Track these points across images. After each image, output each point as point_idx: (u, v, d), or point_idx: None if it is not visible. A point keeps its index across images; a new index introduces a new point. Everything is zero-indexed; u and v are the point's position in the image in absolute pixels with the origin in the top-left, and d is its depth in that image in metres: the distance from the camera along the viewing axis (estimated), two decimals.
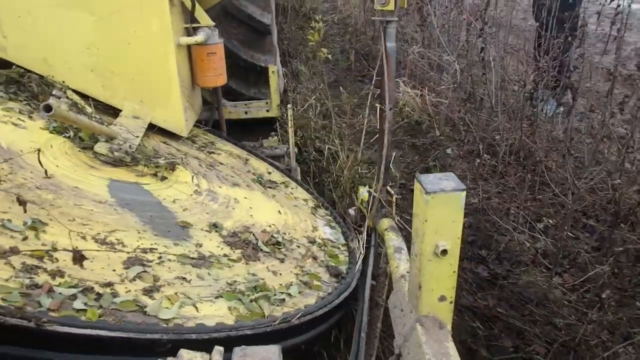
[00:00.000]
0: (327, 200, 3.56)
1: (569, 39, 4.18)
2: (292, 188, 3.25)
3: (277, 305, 1.84)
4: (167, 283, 1.77)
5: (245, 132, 4.33)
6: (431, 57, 5.89)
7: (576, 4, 4.76)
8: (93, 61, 3.03)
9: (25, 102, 2.79)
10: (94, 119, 2.79)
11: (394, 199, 2.92)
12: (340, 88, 5.68)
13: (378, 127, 2.88)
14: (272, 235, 2.38)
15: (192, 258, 1.98)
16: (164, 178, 2.64)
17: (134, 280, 1.72)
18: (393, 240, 2.35)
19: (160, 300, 1.64)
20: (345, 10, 9.71)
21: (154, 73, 3.08)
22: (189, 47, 3.38)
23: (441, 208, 1.46)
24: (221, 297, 1.79)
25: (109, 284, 1.64)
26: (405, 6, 3.03)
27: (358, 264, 2.34)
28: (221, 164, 3.24)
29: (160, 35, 2.99)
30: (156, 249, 1.95)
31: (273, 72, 4.26)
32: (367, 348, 2.02)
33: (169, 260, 1.92)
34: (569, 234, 3.13)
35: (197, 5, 3.35)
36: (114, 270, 1.74)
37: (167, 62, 3.07)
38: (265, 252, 2.24)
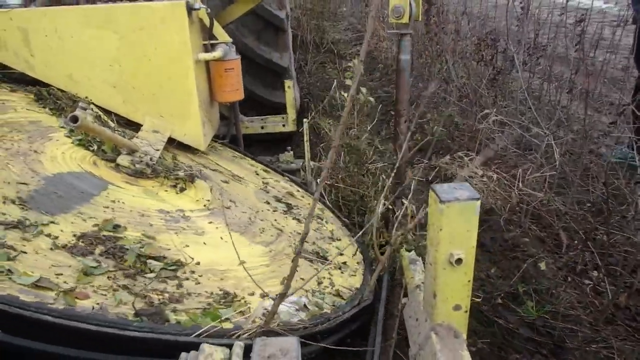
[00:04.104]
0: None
1: None
2: (343, 272, 2.71)
3: None
4: None
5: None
6: (507, 123, 4.25)
7: None
8: (115, 77, 3.13)
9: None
10: (116, 132, 2.87)
11: (409, 212, 2.93)
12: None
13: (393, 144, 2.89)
14: (161, 255, 2.11)
15: (9, 221, 1.91)
16: (182, 189, 2.70)
17: None
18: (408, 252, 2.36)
19: None
20: (373, 42, 8.32)
21: (174, 89, 3.16)
22: (207, 63, 3.47)
23: (456, 217, 1.47)
24: None
25: None
26: (420, 19, 3.05)
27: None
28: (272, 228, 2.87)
29: (179, 52, 3.08)
30: None
31: (289, 86, 4.33)
32: (383, 358, 2.02)
33: None
34: None
35: (215, 22, 3.44)
36: None
37: (186, 77, 3.15)
38: (124, 266, 1.97)
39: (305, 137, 3.77)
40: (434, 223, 1.52)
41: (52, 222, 2.01)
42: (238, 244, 2.48)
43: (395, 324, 2.19)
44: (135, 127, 3.16)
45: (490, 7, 5.95)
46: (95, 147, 2.71)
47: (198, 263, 2.18)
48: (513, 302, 2.78)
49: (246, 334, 1.67)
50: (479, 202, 1.49)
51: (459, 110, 5.07)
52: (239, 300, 2.04)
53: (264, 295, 2.02)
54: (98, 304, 1.68)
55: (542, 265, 3.07)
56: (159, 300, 1.83)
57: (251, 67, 4.34)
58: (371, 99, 3.50)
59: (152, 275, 1.99)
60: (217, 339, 1.63)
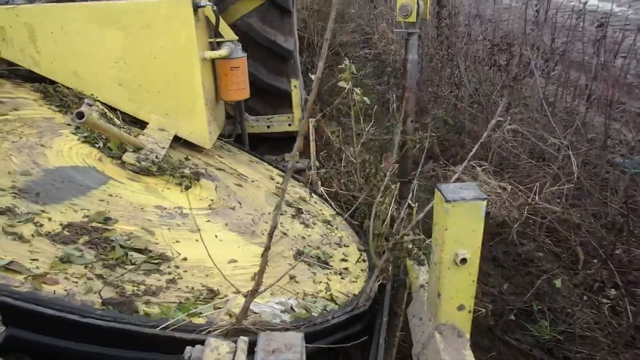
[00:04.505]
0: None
1: None
2: (343, 278, 2.68)
3: None
4: None
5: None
6: (522, 132, 4.03)
7: None
8: (121, 75, 3.13)
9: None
10: (122, 129, 2.88)
11: (414, 212, 2.92)
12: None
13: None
14: (147, 249, 2.11)
15: None
16: (188, 187, 2.70)
17: None
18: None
19: None
20: (381, 45, 8.15)
21: (180, 86, 3.16)
22: (213, 61, 3.47)
23: (461, 217, 1.46)
24: None
25: None
26: (427, 18, 3.03)
27: None
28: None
29: (185, 50, 3.07)
30: None
31: (295, 86, 4.32)
32: (386, 356, 2.01)
33: None
34: None
35: (221, 20, 3.44)
36: None
37: (192, 75, 3.15)
38: (106, 256, 1.96)
39: (311, 137, 3.76)
40: (439, 222, 1.51)
41: (43, 211, 2.02)
42: (234, 243, 2.50)
43: (399, 323, 2.18)
44: (141, 124, 3.16)
45: (502, 10, 5.79)
46: (101, 144, 2.72)
47: (185, 259, 2.17)
48: (526, 320, 2.67)
49: (217, 331, 1.64)
50: (484, 202, 1.48)
51: (470, 116, 4.83)
52: (221, 298, 1.99)
53: (245, 294, 1.91)
54: (66, 290, 1.66)
55: (557, 282, 2.89)
56: (133, 291, 1.81)
57: (255, 50, 4.24)
58: (366, 99, 3.45)
59: (132, 267, 1.97)
60: (185, 333, 1.61)
